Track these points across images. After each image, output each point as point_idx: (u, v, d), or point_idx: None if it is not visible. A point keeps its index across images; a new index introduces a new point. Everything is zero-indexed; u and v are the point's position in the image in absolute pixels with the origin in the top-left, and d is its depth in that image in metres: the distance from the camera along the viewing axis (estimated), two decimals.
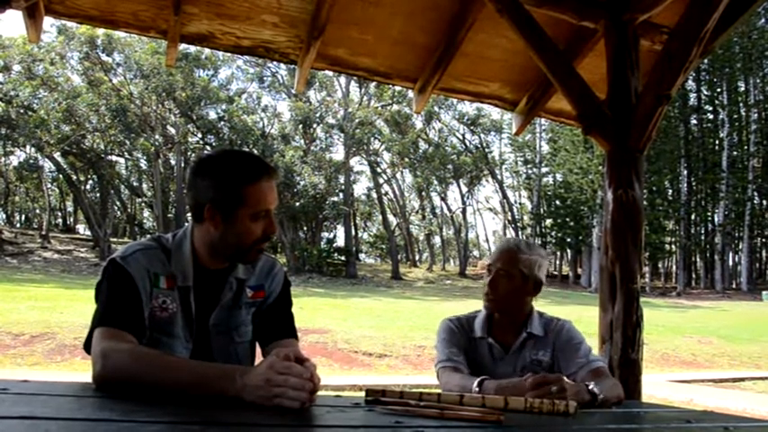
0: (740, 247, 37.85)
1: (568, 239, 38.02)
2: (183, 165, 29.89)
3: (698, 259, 41.25)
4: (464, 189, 38.62)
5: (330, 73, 26.31)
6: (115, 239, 31.80)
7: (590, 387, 1.57)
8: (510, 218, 41.66)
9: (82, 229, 39.77)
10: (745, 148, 38.99)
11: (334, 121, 32.32)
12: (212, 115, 30.71)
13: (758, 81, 38.66)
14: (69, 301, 12.05)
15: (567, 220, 37.11)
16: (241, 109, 30.88)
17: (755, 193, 38.59)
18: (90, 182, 35.60)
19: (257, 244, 1.43)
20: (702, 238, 41.11)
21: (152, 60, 26.41)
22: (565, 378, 1.50)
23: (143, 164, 34.31)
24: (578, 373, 1.80)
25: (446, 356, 1.86)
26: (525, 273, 1.87)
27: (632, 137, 2.62)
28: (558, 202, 38.36)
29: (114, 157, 32.32)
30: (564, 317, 2.00)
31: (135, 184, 36.90)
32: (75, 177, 32.05)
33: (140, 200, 38.43)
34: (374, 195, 39.39)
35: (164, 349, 1.39)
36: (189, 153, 30.10)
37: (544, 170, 41.22)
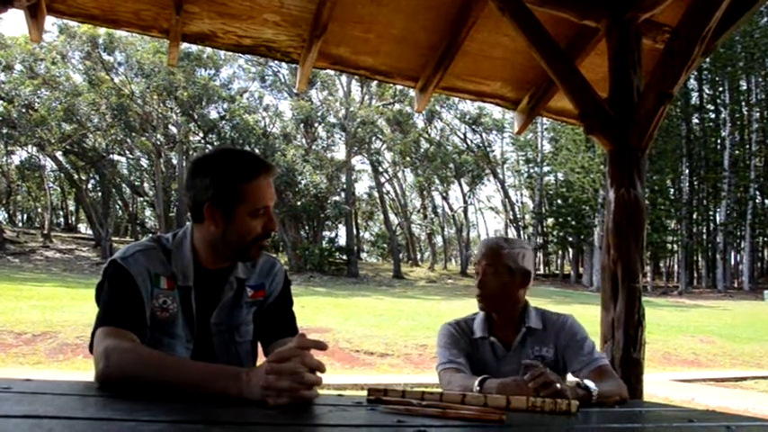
0: (742, 246, 37.80)
1: (570, 238, 37.99)
2: (184, 164, 29.91)
3: (700, 258, 41.19)
4: (465, 188, 38.63)
5: (332, 72, 26.29)
6: (117, 239, 31.88)
7: (583, 382, 1.57)
8: (511, 217, 41.63)
9: (83, 228, 39.90)
10: (747, 147, 38.93)
11: (336, 120, 32.35)
12: (214, 114, 30.74)
13: (760, 80, 38.57)
14: (71, 300, 12.06)
15: (569, 219, 37.06)
16: (243, 108, 30.87)
17: (757, 192, 38.53)
18: (91, 181, 35.64)
19: (258, 241, 1.43)
20: (704, 237, 41.04)
21: (153, 59, 26.44)
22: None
23: (144, 163, 34.35)
24: (582, 371, 1.79)
25: (447, 358, 1.86)
26: (511, 266, 1.88)
27: (634, 136, 2.62)
28: (559, 202, 38.32)
29: (116, 156, 32.37)
30: None
31: (136, 183, 36.90)
32: (76, 176, 32.09)
33: (142, 199, 38.46)
34: (376, 194, 39.42)
35: (165, 349, 1.39)
36: (190, 152, 30.09)
37: (546, 169, 41.18)
